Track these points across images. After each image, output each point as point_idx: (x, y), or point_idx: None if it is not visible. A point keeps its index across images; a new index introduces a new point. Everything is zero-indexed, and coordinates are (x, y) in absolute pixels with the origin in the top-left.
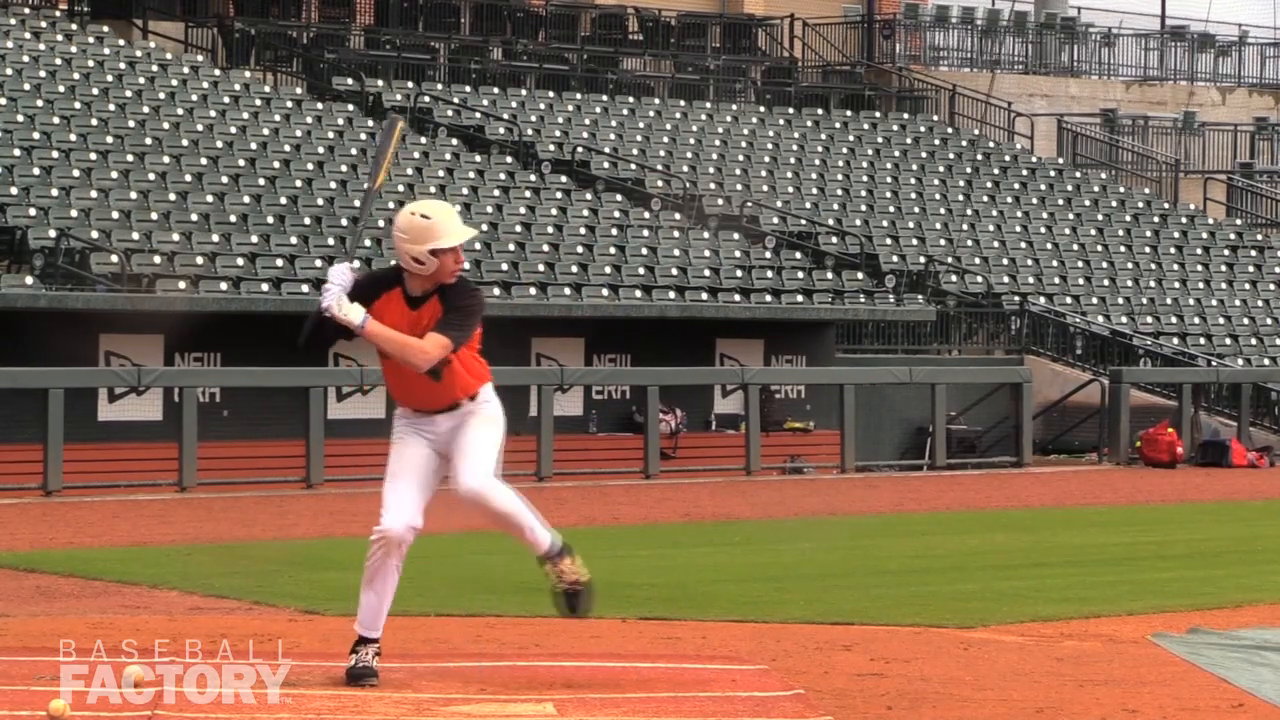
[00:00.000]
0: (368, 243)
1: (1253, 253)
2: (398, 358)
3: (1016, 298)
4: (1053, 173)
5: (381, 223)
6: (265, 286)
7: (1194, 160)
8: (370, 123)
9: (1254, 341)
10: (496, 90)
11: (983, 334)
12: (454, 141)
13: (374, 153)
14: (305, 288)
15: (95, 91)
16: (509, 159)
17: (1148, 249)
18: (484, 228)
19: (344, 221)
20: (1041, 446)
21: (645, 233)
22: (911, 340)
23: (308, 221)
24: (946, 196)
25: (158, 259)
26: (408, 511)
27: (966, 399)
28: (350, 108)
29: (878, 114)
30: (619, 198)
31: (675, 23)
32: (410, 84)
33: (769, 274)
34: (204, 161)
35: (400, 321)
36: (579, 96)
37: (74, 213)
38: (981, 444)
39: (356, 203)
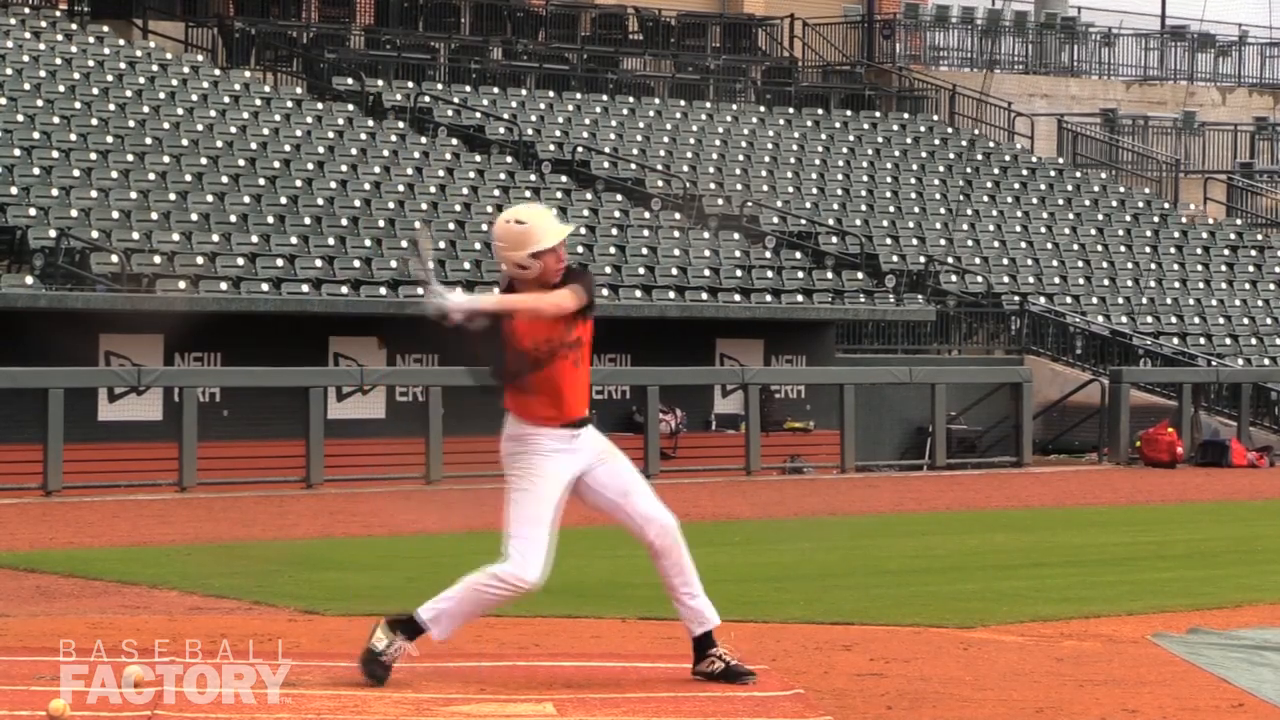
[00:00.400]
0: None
1: (1253, 253)
2: (533, 311)
3: (1016, 298)
4: (1053, 173)
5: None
6: (265, 286)
7: (1194, 160)
8: (370, 122)
9: (1254, 341)
10: (496, 90)
11: (983, 334)
12: (454, 141)
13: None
14: (305, 288)
15: (95, 91)
16: (509, 159)
17: (1148, 249)
18: (484, 228)
19: (344, 221)
20: (1041, 446)
21: (645, 233)
22: (911, 340)
23: (308, 221)
24: (946, 196)
25: (158, 259)
26: (546, 564)
27: (966, 399)
28: (350, 108)
29: (878, 114)
30: (619, 198)
31: (675, 23)
32: (410, 84)
33: (769, 274)
34: (204, 161)
35: (525, 329)
36: (579, 96)
37: (74, 213)
38: (981, 444)
39: (357, 202)
